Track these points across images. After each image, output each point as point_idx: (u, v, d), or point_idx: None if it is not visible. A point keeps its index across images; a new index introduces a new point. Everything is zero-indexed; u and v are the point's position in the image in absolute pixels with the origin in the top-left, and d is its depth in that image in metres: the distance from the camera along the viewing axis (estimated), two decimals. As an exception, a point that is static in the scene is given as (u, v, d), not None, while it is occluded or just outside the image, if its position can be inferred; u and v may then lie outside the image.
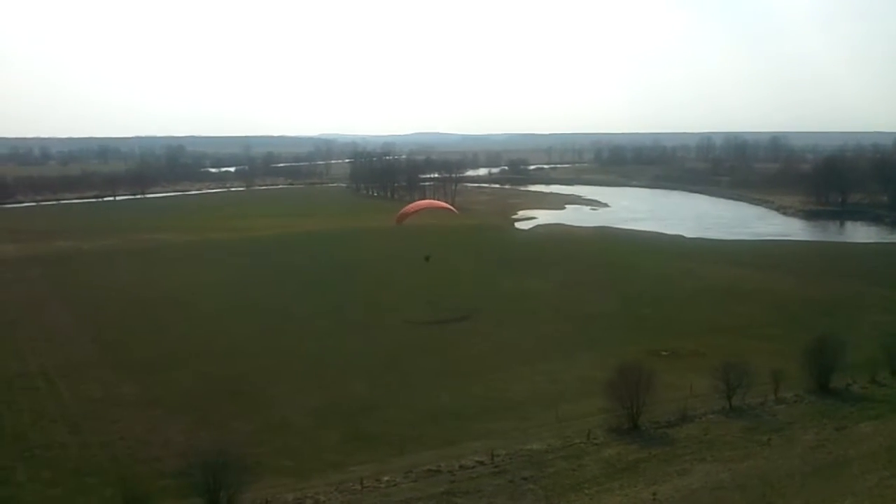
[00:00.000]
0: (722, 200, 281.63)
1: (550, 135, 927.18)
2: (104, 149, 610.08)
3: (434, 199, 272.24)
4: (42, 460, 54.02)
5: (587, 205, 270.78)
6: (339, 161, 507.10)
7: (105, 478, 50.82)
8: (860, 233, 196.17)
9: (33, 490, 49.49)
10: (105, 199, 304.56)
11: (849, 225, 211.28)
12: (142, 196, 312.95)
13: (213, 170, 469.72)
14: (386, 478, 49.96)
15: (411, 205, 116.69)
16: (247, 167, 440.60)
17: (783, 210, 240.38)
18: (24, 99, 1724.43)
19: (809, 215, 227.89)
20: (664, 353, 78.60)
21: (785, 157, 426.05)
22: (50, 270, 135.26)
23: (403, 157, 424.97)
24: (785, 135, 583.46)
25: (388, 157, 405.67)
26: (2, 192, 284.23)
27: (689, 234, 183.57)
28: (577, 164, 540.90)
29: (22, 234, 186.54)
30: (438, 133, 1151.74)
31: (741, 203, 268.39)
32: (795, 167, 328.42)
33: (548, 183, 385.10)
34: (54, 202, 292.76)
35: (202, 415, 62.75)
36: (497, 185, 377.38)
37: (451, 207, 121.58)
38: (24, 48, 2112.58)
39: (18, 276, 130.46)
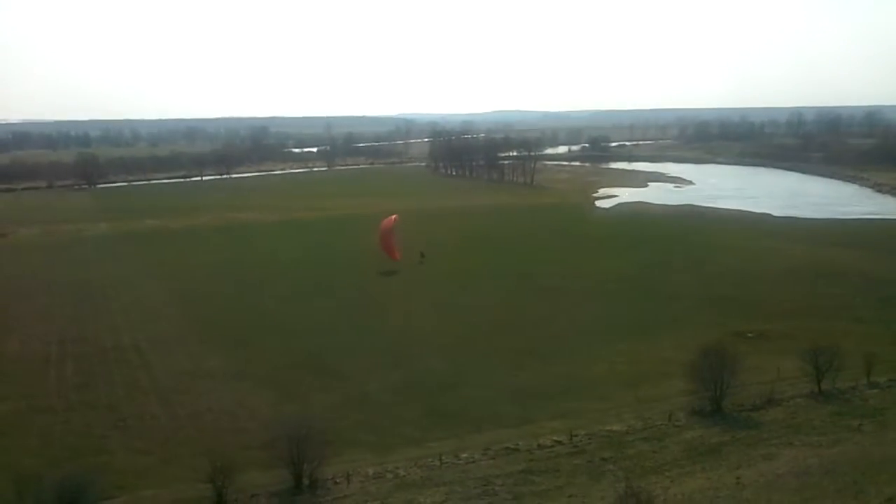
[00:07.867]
0: (812, 178, 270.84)
1: (633, 111, 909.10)
2: (191, 130, 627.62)
3: (512, 177, 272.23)
4: (134, 430, 56.31)
5: (671, 182, 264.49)
6: (419, 140, 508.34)
7: (193, 448, 52.56)
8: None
9: (126, 458, 51.62)
10: (192, 178, 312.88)
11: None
12: (227, 176, 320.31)
13: (295, 150, 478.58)
14: (464, 454, 50.22)
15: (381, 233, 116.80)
16: (328, 147, 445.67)
17: (878, 188, 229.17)
18: (115, 83, 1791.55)
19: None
20: (750, 335, 76.41)
21: (881, 132, 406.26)
22: (141, 248, 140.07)
23: (482, 135, 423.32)
24: (881, 109, 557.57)
25: (466, 136, 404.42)
26: (95, 173, 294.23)
27: (777, 213, 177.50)
28: (660, 141, 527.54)
29: (114, 212, 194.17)
30: (518, 111, 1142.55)
31: (833, 180, 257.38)
32: (892, 143, 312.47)
33: (630, 160, 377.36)
34: (144, 182, 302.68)
35: (286, 388, 64.29)
36: (577, 163, 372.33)
37: (393, 217, 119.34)
38: (115, 36, 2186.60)
39: (111, 253, 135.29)
